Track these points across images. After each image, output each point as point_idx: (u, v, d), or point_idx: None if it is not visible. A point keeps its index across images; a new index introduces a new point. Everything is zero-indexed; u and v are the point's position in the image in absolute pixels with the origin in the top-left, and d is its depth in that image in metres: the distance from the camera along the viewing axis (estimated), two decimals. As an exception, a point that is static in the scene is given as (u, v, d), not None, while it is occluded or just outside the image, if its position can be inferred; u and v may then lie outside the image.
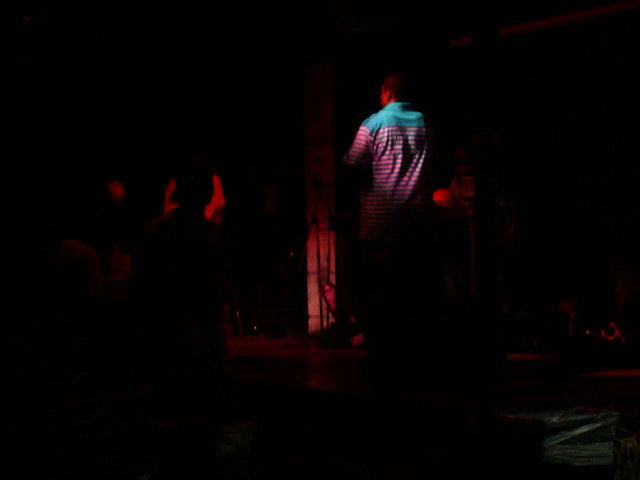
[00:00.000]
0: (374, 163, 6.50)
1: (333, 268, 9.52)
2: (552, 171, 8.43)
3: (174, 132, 8.40)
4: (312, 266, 9.61)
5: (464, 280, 8.00)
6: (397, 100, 6.63)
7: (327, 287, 9.32)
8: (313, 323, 9.65)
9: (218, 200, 8.19)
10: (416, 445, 4.97)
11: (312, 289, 9.73)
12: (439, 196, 8.39)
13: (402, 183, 6.47)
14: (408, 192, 6.48)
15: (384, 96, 6.69)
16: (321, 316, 9.09)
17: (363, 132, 6.49)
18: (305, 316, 9.82)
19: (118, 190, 9.21)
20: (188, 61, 9.73)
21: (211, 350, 5.23)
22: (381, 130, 6.46)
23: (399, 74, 6.78)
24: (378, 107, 6.73)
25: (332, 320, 9.07)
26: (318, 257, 9.08)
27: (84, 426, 3.09)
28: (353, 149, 6.54)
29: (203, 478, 4.34)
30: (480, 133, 5.61)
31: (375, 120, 6.52)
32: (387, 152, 6.47)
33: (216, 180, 8.32)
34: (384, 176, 6.48)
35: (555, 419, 4.51)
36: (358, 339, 7.95)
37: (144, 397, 5.44)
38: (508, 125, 7.58)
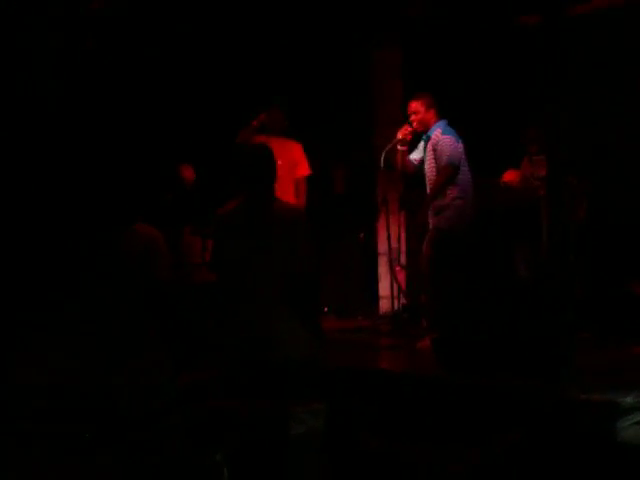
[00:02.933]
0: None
1: (404, 249, 9.51)
2: (625, 149, 8.30)
3: (245, 115, 8.41)
4: (382, 247, 9.60)
5: (536, 261, 7.92)
6: (439, 117, 7.47)
7: (398, 268, 9.31)
8: (384, 304, 9.64)
9: (304, 170, 8.30)
10: (488, 428, 4.95)
11: (383, 270, 9.72)
12: (510, 176, 8.33)
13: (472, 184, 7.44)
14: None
15: (431, 114, 7.46)
16: (392, 297, 9.08)
17: (452, 141, 7.28)
18: (376, 297, 9.81)
19: (189, 173, 9.30)
20: (258, 43, 9.74)
21: (301, 334, 5.19)
22: (460, 141, 7.36)
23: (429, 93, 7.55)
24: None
25: (403, 301, 9.05)
26: (389, 238, 9.06)
27: (157, 407, 3.13)
28: (455, 154, 7.26)
29: (275, 457, 4.37)
30: (550, 112, 5.56)
31: (452, 133, 7.33)
32: (464, 158, 7.37)
33: (300, 149, 8.43)
34: (468, 176, 7.34)
35: (629, 399, 4.46)
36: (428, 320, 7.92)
37: (215, 381, 5.46)
38: (580, 103, 7.49)
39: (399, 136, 7.53)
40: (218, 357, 5.33)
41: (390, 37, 9.72)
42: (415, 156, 7.61)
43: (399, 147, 7.59)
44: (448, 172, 7.20)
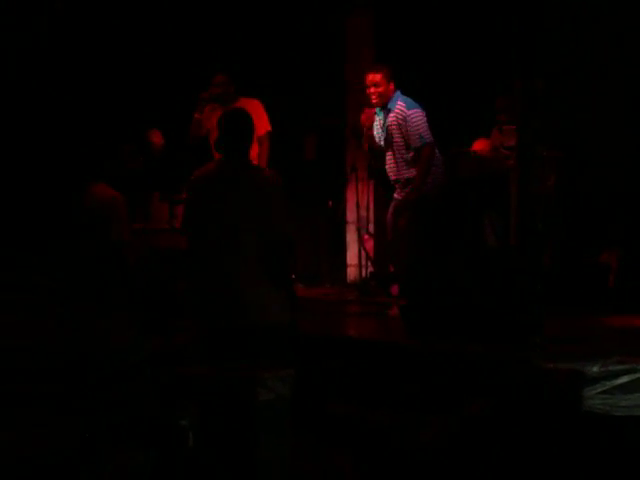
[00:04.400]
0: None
1: (372, 217, 9.51)
2: (598, 122, 8.28)
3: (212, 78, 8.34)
4: (351, 215, 9.60)
5: (504, 230, 7.94)
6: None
7: (366, 236, 9.31)
8: (352, 272, 9.65)
9: (264, 127, 8.16)
10: (454, 395, 4.97)
11: (351, 238, 9.72)
12: (480, 145, 8.33)
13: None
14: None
15: (391, 86, 7.24)
16: (360, 265, 9.08)
17: (421, 114, 7.16)
18: (344, 265, 9.82)
19: (157, 139, 9.22)
20: (230, 9, 9.67)
21: (275, 300, 5.16)
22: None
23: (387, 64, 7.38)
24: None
25: (371, 269, 9.06)
26: (357, 206, 9.06)
27: (123, 368, 3.11)
28: (426, 129, 7.15)
29: (242, 424, 4.36)
30: (523, 78, 5.54)
31: (415, 105, 7.19)
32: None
33: (259, 106, 8.30)
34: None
35: (595, 369, 4.49)
36: (396, 288, 7.93)
37: (184, 346, 5.44)
38: (555, 74, 7.47)
39: (366, 124, 7.41)
40: (190, 322, 5.31)
41: (362, 3, 9.67)
42: (374, 132, 7.48)
43: (365, 131, 7.48)
44: (429, 153, 7.15)
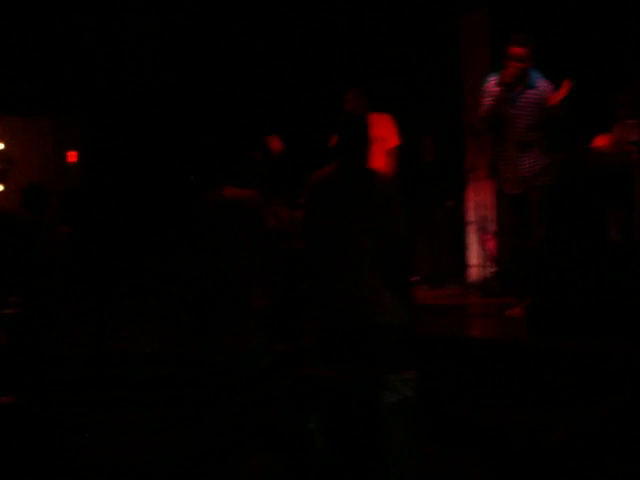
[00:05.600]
0: None
1: (493, 216, 9.44)
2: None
3: (336, 86, 8.45)
4: (471, 215, 9.55)
5: (627, 226, 7.79)
6: None
7: (487, 236, 9.25)
8: (473, 272, 9.60)
9: (394, 141, 8.28)
10: (583, 394, 4.91)
11: (472, 238, 9.68)
12: (602, 141, 8.19)
13: None
14: None
15: (531, 63, 6.66)
16: (481, 265, 9.03)
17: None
18: (465, 266, 9.78)
19: (276, 144, 9.34)
20: (345, 14, 9.74)
21: (395, 302, 5.17)
22: None
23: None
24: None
25: (492, 269, 9.00)
26: (478, 206, 9.02)
27: (251, 374, 3.16)
28: None
29: (368, 426, 4.39)
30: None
31: None
32: None
33: (390, 121, 8.40)
34: None
35: None
36: (519, 288, 7.85)
37: (308, 348, 5.50)
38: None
39: (508, 80, 6.61)
40: (312, 325, 5.37)
41: (476, 1, 9.61)
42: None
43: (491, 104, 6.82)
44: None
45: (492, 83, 6.82)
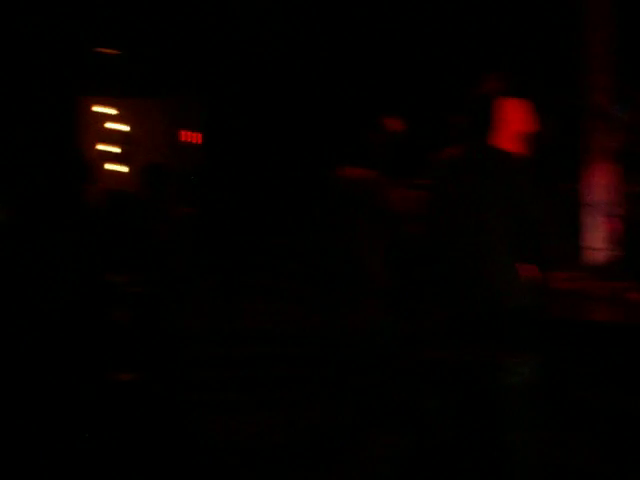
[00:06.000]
0: None
1: (616, 199, 9.27)
2: None
3: (463, 66, 8.39)
4: (592, 197, 9.40)
5: None
6: None
7: (609, 218, 9.10)
8: (594, 255, 9.45)
9: (528, 126, 8.13)
10: None
11: (592, 221, 9.52)
12: None
13: None
14: None
15: None
16: (604, 249, 8.88)
17: None
18: (586, 249, 9.62)
19: (397, 125, 9.31)
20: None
21: (523, 284, 5.12)
22: None
23: None
24: None
25: (616, 252, 8.84)
26: (599, 188, 8.87)
27: (376, 354, 3.19)
28: None
29: (488, 408, 4.39)
30: None
31: None
32: None
33: (526, 105, 8.25)
34: None
35: None
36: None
37: (430, 330, 5.48)
38: None
39: None
40: (434, 307, 5.34)
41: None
42: None
43: None
44: None
45: None
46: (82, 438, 3.63)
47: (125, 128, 12.56)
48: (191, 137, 12.46)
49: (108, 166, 12.26)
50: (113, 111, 12.58)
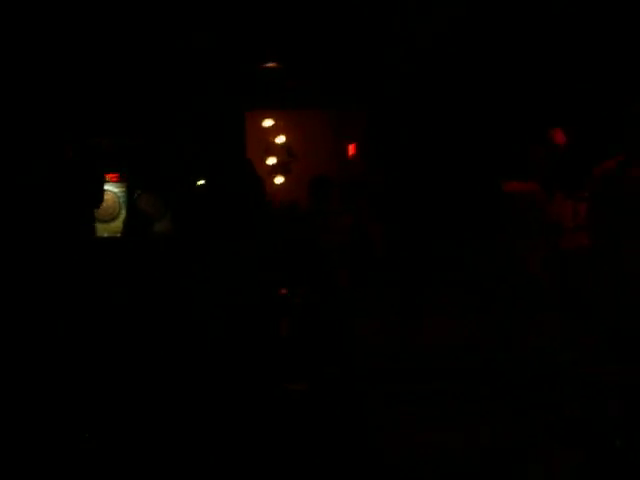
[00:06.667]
0: None
1: None
2: None
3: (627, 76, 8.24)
4: None
5: None
6: None
7: None
8: None
9: None
10: None
11: None
12: None
13: None
14: None
15: None
16: None
17: None
18: None
19: (560, 137, 9.22)
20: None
21: None
22: None
23: None
24: None
25: None
26: None
27: (554, 367, 3.21)
28: None
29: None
30: None
31: None
32: None
33: None
34: None
35: None
36: None
37: (595, 347, 5.41)
38: None
39: None
40: (601, 321, 5.27)
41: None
42: None
43: None
44: None
45: None
46: (259, 448, 3.75)
47: (285, 140, 12.82)
48: (356, 149, 12.61)
49: (276, 179, 12.55)
50: (274, 123, 12.86)
